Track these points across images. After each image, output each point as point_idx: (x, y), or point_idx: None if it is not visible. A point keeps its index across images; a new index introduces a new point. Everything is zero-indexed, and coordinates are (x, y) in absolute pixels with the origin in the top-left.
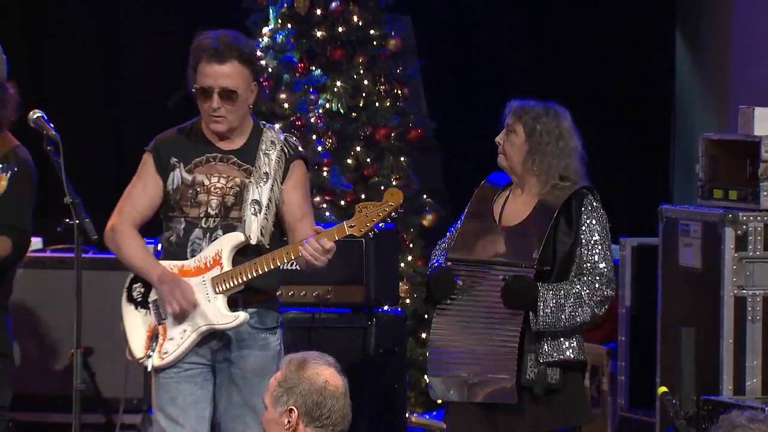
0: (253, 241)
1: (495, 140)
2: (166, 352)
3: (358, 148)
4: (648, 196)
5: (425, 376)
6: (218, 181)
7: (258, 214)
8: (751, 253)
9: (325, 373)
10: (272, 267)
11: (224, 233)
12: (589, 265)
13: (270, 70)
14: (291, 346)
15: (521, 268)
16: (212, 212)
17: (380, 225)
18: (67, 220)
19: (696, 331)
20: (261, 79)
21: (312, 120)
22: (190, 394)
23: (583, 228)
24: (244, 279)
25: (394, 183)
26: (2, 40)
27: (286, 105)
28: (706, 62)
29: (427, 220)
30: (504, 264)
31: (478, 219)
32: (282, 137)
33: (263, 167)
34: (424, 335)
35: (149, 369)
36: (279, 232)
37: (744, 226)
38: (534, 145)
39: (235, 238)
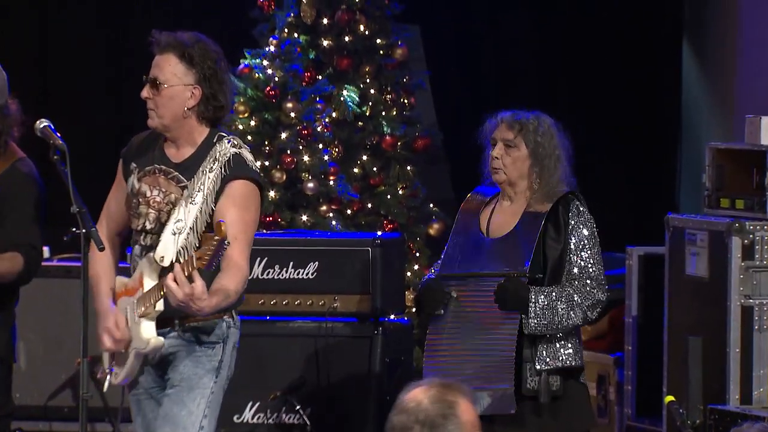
0: (166, 264)
1: (492, 155)
2: (116, 374)
3: (365, 157)
4: (655, 205)
5: None
6: (157, 195)
7: (179, 235)
8: (757, 263)
9: None
10: (161, 296)
11: None
12: (578, 270)
13: (276, 79)
14: (297, 356)
15: (513, 278)
16: (149, 227)
17: (218, 256)
18: (74, 230)
19: (703, 341)
20: (214, 89)
21: (318, 129)
22: (149, 412)
23: (571, 233)
24: (151, 303)
25: (400, 192)
26: (7, 47)
27: (292, 114)
28: (713, 72)
29: (434, 229)
30: (495, 275)
31: (465, 234)
32: (230, 153)
33: (198, 185)
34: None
35: (105, 388)
36: None
37: (751, 236)
38: (537, 159)
39: (149, 260)
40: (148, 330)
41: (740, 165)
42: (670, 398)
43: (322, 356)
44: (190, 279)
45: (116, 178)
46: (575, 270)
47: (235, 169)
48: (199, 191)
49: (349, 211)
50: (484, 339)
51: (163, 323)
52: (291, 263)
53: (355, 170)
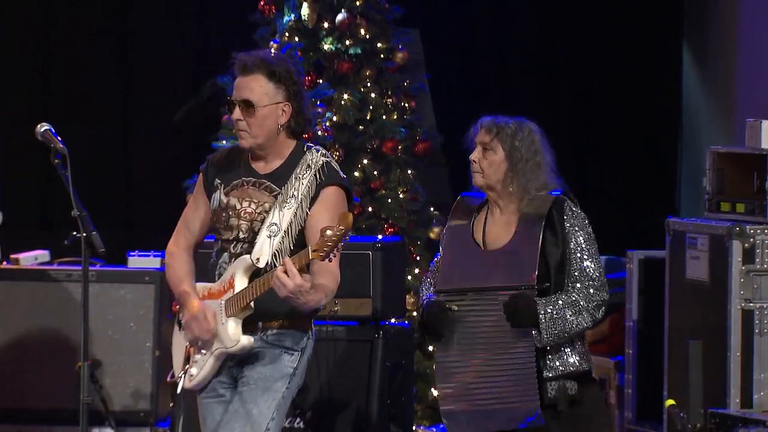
0: (261, 265)
1: (470, 158)
2: (192, 375)
3: (365, 161)
4: (655, 209)
5: (431, 390)
6: (248, 206)
7: (273, 237)
8: (758, 266)
9: None
10: (260, 292)
11: None
12: (578, 273)
13: None
14: None
15: (522, 291)
16: (242, 236)
17: (337, 248)
18: (75, 233)
19: (703, 344)
20: (300, 103)
21: (319, 133)
22: (219, 415)
23: (569, 235)
24: (246, 302)
25: (401, 196)
26: (15, 51)
27: None
28: (713, 75)
29: (434, 233)
30: (503, 288)
31: (460, 246)
32: (321, 162)
33: (291, 190)
34: (431, 348)
35: (179, 390)
36: None
37: (751, 239)
38: (514, 163)
39: (244, 261)
40: (236, 329)
41: (741, 169)
42: (670, 402)
43: (323, 360)
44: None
45: (195, 193)
46: (576, 273)
47: (328, 176)
48: (292, 197)
49: None
50: (502, 356)
51: (246, 327)
52: None
53: (356, 174)
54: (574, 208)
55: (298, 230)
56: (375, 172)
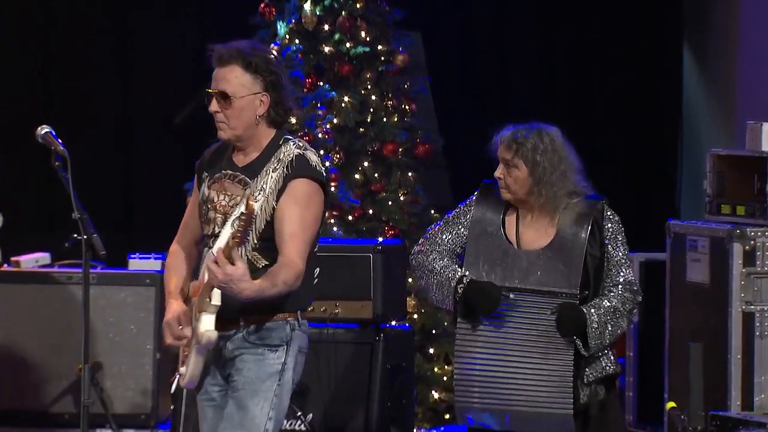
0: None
1: (494, 176)
2: (182, 375)
3: (366, 164)
4: (655, 212)
5: (432, 392)
6: (223, 199)
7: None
8: (759, 269)
9: None
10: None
11: None
12: (617, 277)
13: None
14: None
15: (564, 298)
16: (217, 231)
17: (247, 232)
18: (75, 236)
19: (704, 347)
20: (279, 93)
21: (320, 135)
22: (211, 418)
23: (608, 241)
24: (206, 296)
25: (401, 198)
26: (15, 51)
27: (293, 120)
28: (714, 78)
29: None
30: (546, 293)
31: (486, 239)
32: (293, 154)
33: (260, 183)
34: (431, 350)
35: (172, 390)
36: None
37: (752, 242)
38: (538, 177)
39: (209, 256)
40: (204, 324)
41: (741, 171)
42: (671, 404)
43: (324, 362)
44: (231, 262)
45: (193, 190)
46: (615, 278)
47: (297, 169)
48: (261, 190)
49: (350, 218)
50: (540, 360)
51: (228, 324)
52: None
53: (357, 176)
54: (611, 212)
55: (265, 223)
56: (376, 175)
